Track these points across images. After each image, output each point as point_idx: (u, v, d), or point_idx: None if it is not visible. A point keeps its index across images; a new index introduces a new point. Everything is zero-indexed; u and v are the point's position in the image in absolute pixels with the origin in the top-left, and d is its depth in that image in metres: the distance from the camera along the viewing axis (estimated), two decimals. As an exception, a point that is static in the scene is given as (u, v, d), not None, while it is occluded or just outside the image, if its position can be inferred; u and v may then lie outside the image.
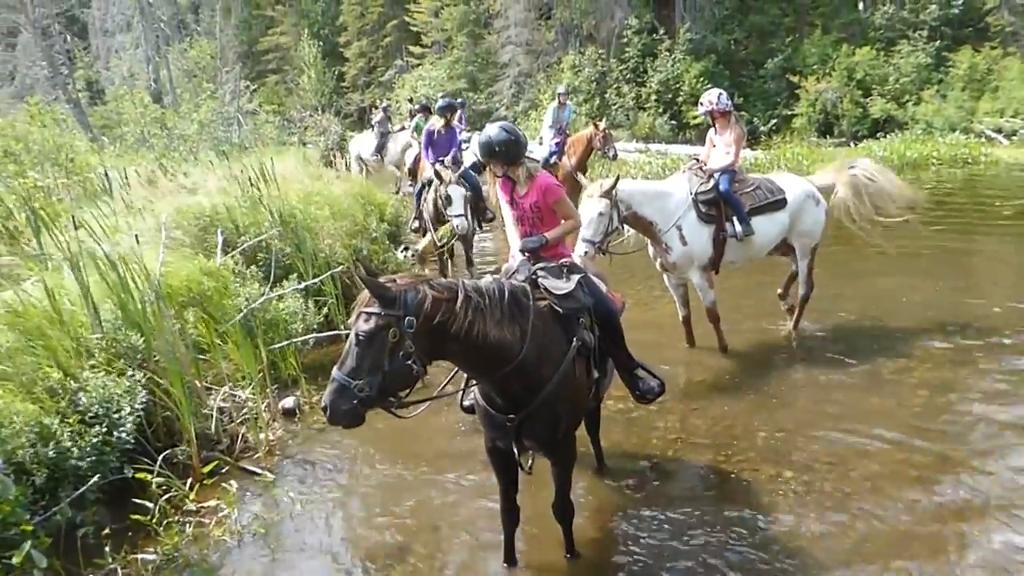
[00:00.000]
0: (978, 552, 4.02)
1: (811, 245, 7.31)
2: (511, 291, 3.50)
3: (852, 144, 22.89)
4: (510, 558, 4.10)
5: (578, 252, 5.97)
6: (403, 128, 17.95)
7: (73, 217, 5.48)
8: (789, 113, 25.81)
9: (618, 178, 6.34)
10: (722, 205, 6.72)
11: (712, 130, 7.27)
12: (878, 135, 23.20)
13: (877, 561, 3.98)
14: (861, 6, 26.99)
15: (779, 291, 7.67)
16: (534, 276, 3.90)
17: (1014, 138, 21.80)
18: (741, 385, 6.33)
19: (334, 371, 3.14)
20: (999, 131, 22.21)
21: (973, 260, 10.08)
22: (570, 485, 3.95)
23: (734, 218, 6.71)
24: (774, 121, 25.84)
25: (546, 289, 3.82)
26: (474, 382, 3.80)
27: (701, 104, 7.16)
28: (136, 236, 5.75)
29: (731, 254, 6.87)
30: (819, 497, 4.60)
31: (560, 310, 3.76)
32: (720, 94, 7.07)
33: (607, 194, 6.23)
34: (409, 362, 3.14)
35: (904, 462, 4.93)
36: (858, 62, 25.01)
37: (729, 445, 5.31)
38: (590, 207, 6.24)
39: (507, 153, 4.11)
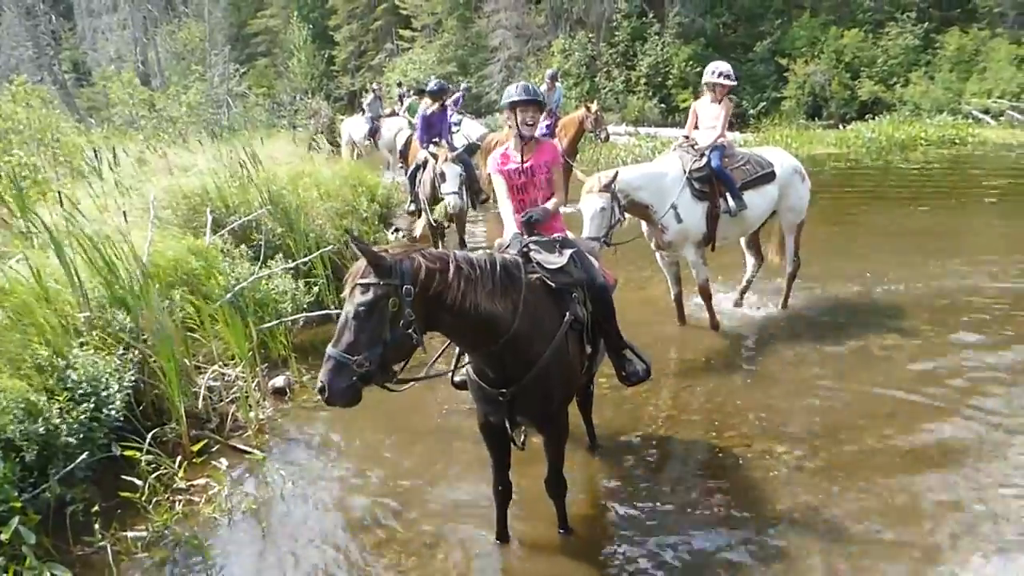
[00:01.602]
0: (970, 524, 4.05)
1: (796, 221, 7.33)
2: (503, 264, 3.47)
3: (841, 126, 22.90)
4: (502, 534, 4.10)
5: None
6: (393, 112, 17.87)
7: (60, 193, 5.41)
8: (778, 96, 25.77)
9: (616, 173, 6.14)
10: (715, 181, 6.69)
11: (700, 101, 7.23)
12: (866, 117, 23.22)
13: (868, 533, 4.00)
14: (850, -13, 26.92)
15: (736, 297, 7.67)
16: (526, 250, 3.87)
17: (1001, 119, 21.89)
18: (732, 363, 6.35)
19: (329, 349, 3.06)
20: (986, 112, 22.30)
21: (961, 238, 10.11)
22: (563, 461, 3.95)
23: (727, 194, 6.69)
24: (763, 104, 25.81)
25: (538, 263, 3.79)
26: (466, 358, 3.79)
27: (721, 74, 6.93)
28: (124, 213, 5.68)
29: (724, 230, 6.85)
30: (810, 471, 4.63)
31: (552, 284, 3.75)
32: (731, 69, 7.02)
33: (607, 188, 6.04)
34: (410, 331, 3.09)
35: (895, 436, 4.96)
36: (846, 44, 25.02)
37: (721, 421, 5.33)
38: (591, 203, 6.05)
39: (537, 98, 4.27)
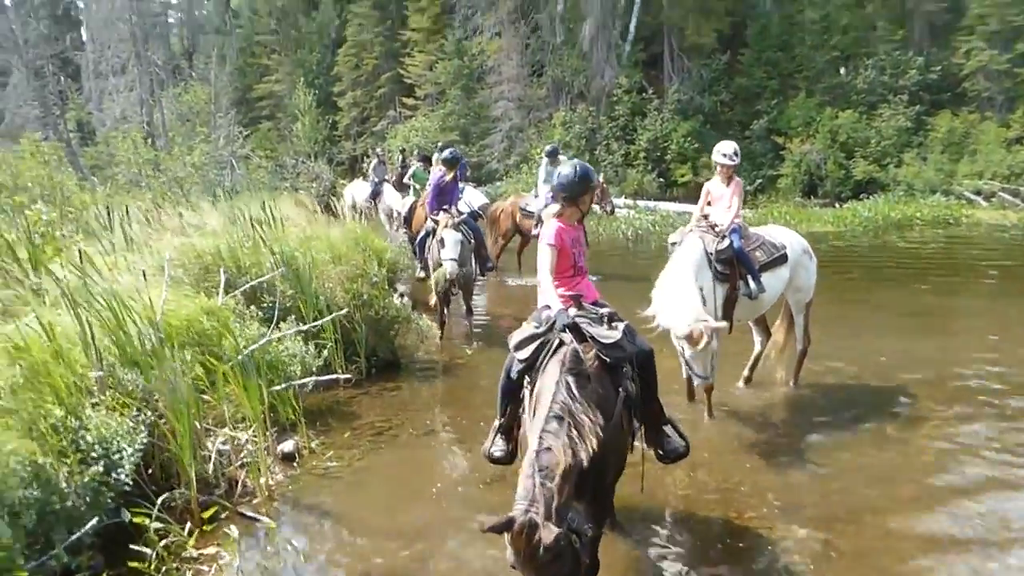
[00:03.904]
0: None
1: (805, 300, 7.33)
2: (575, 381, 3.46)
3: (837, 205, 23.26)
4: None
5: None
6: (400, 178, 18.00)
7: (80, 251, 5.39)
8: (774, 173, 26.22)
9: (717, 328, 5.75)
10: (736, 264, 6.69)
11: (712, 181, 7.31)
12: (861, 196, 23.63)
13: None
14: (843, 71, 27.69)
15: (745, 374, 7.59)
16: (574, 322, 3.84)
17: (993, 200, 22.29)
18: (746, 441, 6.27)
19: None
20: (978, 193, 22.71)
21: (965, 318, 10.16)
22: (599, 541, 3.85)
23: (748, 276, 6.69)
24: (760, 181, 26.24)
25: (592, 337, 3.76)
26: (501, 429, 3.74)
27: (724, 155, 7.04)
28: (144, 273, 5.66)
29: (740, 312, 6.84)
30: (835, 555, 4.52)
31: (607, 360, 3.71)
32: (736, 148, 7.12)
33: (713, 335, 5.68)
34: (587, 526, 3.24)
35: (918, 520, 4.89)
36: (841, 125, 25.54)
37: (740, 501, 5.23)
38: (705, 351, 5.73)
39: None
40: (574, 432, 3.22)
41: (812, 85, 27.56)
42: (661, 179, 27.39)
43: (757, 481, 5.53)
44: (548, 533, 2.86)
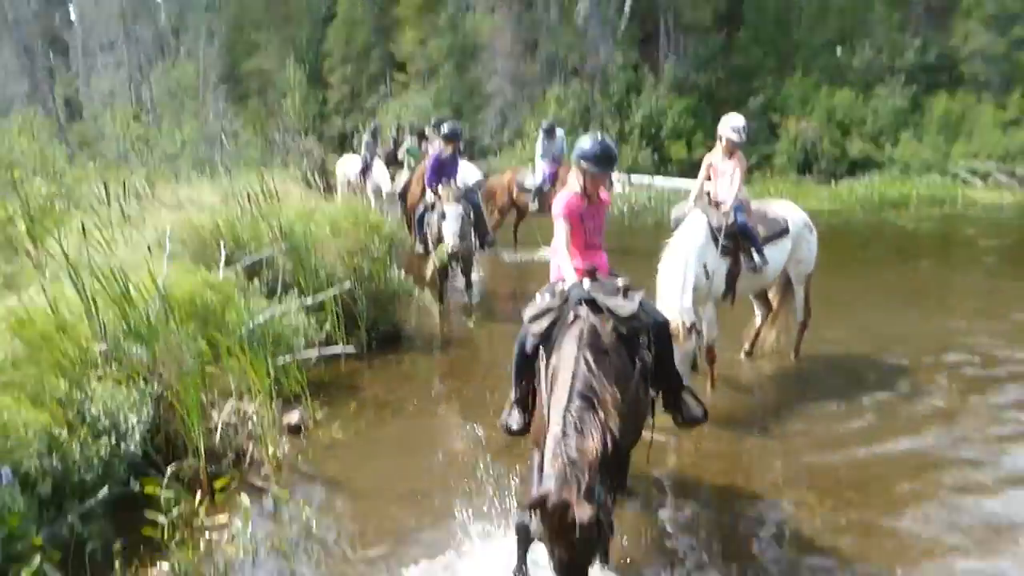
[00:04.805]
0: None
1: (806, 272, 7.34)
2: (594, 356, 3.43)
3: (832, 183, 23.28)
4: (521, 568, 3.85)
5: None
6: (393, 149, 17.74)
7: (83, 223, 5.34)
8: (770, 151, 26.17)
9: (694, 324, 5.77)
10: (739, 238, 6.67)
11: (714, 155, 7.20)
12: (856, 174, 23.65)
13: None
14: (840, 51, 27.59)
15: (746, 347, 7.63)
16: (590, 296, 3.82)
17: (988, 180, 22.35)
18: (749, 412, 6.30)
19: None
20: (974, 173, 22.76)
21: (963, 297, 10.20)
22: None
23: (752, 250, 6.69)
24: (755, 158, 26.20)
25: (608, 309, 3.74)
26: (517, 402, 3.76)
27: (734, 130, 6.87)
28: (149, 248, 5.61)
29: (743, 285, 6.85)
30: (845, 523, 4.55)
31: (624, 331, 3.70)
32: (746, 124, 7.00)
33: (691, 330, 5.73)
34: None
35: (929, 485, 4.96)
36: (837, 104, 25.52)
37: (748, 468, 5.28)
38: (685, 350, 5.69)
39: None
40: (600, 413, 3.21)
41: (809, 64, 27.46)
42: (656, 155, 27.29)
43: (764, 449, 5.57)
44: (583, 513, 2.86)
